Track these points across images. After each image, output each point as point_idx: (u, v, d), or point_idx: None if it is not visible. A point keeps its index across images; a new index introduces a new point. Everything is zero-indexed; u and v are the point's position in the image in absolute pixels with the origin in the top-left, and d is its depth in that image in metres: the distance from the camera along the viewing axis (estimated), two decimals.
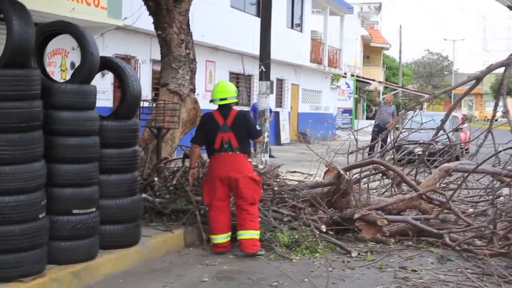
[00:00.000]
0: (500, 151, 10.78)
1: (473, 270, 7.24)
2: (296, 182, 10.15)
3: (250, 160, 8.39)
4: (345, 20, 38.35)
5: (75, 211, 6.59)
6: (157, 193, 9.03)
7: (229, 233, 8.03)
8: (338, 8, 36.17)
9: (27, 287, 5.84)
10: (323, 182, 9.79)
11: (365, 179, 10.42)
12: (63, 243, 6.52)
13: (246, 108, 23.12)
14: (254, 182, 8.00)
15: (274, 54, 16.13)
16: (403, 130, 13.61)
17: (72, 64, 15.33)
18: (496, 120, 13.82)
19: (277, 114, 27.68)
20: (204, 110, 11.30)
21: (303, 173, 11.29)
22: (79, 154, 6.65)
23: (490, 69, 13.48)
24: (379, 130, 19.03)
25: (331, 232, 8.66)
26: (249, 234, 7.86)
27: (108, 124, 7.24)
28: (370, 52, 55.13)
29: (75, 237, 6.57)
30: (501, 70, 13.46)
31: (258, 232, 7.97)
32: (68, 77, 11.40)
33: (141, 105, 9.71)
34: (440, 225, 8.94)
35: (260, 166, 10.77)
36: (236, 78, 25.27)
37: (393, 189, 10.83)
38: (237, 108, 8.52)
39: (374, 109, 41.56)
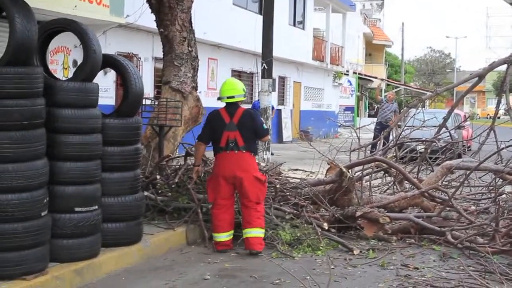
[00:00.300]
0: (502, 149, 10.79)
1: (475, 268, 7.24)
2: (298, 180, 10.16)
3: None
4: (347, 18, 38.36)
5: (77, 209, 6.59)
6: (159, 191, 9.06)
7: (232, 232, 8.02)
8: (341, 6, 36.16)
9: (30, 285, 5.85)
10: (325, 180, 9.79)
11: (367, 177, 10.42)
12: (65, 241, 6.52)
13: (247, 106, 23.12)
14: (259, 181, 7.97)
15: (276, 51, 16.14)
16: (405, 128, 13.62)
17: (74, 62, 15.36)
18: (499, 117, 13.79)
19: (279, 111, 27.69)
20: (206, 108, 11.32)
21: (305, 171, 11.32)
22: (81, 152, 6.65)
23: (492, 67, 13.47)
24: (381, 128, 19.05)
25: (333, 230, 8.66)
26: (256, 232, 7.85)
27: (110, 122, 7.24)
28: (372, 49, 55.12)
29: (77, 235, 6.57)
30: (503, 67, 13.45)
31: (264, 230, 7.96)
32: (70, 75, 11.43)
33: (143, 103, 9.73)
34: (442, 223, 8.94)
35: (262, 164, 10.78)
36: (238, 75, 25.25)
37: (395, 187, 10.83)
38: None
39: (376, 107, 41.58)
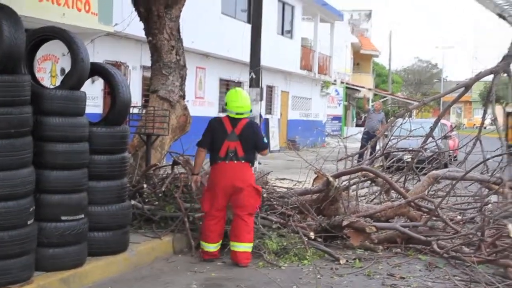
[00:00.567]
0: (488, 159, 10.84)
1: (461, 277, 7.27)
2: (285, 189, 10.15)
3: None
4: (335, 27, 38.48)
5: (63, 218, 6.56)
6: (146, 200, 9.02)
7: (220, 242, 7.97)
8: (329, 15, 36.28)
9: None
10: (312, 189, 9.80)
11: (354, 186, 10.44)
12: (52, 249, 6.49)
13: None
14: (257, 192, 7.95)
15: (265, 61, 16.15)
16: (392, 138, 13.65)
17: (62, 70, 15.31)
18: (485, 127, 13.87)
19: (266, 121, 27.71)
20: (194, 116, 11.33)
21: (292, 180, 11.30)
22: (68, 160, 6.63)
23: (479, 77, 13.54)
24: (368, 137, 19.08)
25: (319, 239, 8.67)
26: (244, 247, 7.80)
27: (97, 130, 7.22)
28: (360, 59, 55.32)
29: (64, 243, 6.54)
30: (490, 77, 13.54)
31: (252, 245, 7.92)
32: (58, 83, 11.39)
33: (131, 111, 9.72)
34: (428, 232, 8.97)
35: None
36: (226, 84, 25.28)
37: (382, 196, 10.86)
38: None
39: (363, 116, 41.71)
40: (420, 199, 9.65)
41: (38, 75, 13.34)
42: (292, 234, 8.56)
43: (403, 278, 7.34)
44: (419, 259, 8.27)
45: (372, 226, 8.69)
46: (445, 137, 19.06)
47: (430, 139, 13.15)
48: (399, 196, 10.10)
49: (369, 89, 51.47)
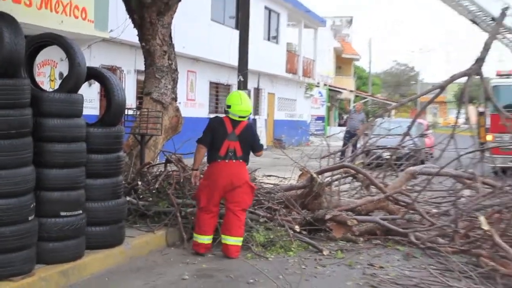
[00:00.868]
0: (462, 155, 10.90)
1: (436, 266, 7.32)
2: (272, 185, 10.17)
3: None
4: (318, 33, 38.50)
5: (62, 213, 6.55)
6: (141, 196, 9.03)
7: (212, 236, 7.92)
8: (312, 22, 36.30)
9: (17, 286, 5.80)
10: (297, 185, 9.83)
11: (336, 182, 10.48)
12: (51, 243, 6.48)
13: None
14: (251, 189, 7.98)
15: (252, 64, 16.16)
16: (372, 136, 13.70)
17: (61, 74, 15.26)
18: (459, 126, 13.94)
19: (254, 121, 27.69)
20: (185, 117, 11.33)
21: (279, 177, 11.31)
22: (66, 160, 6.62)
23: (453, 78, 13.60)
24: (350, 136, 19.15)
25: (304, 232, 8.68)
26: (235, 241, 7.80)
27: (94, 131, 7.21)
28: (342, 63, 55.33)
29: (63, 238, 6.54)
30: (463, 79, 13.61)
31: (242, 239, 7.92)
32: (56, 87, 11.36)
33: (126, 113, 9.71)
34: (406, 225, 9.03)
35: None
36: (216, 87, 25.27)
37: (362, 191, 10.90)
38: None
39: (345, 117, 41.76)
40: (398, 194, 9.70)
41: (38, 79, 13.33)
42: (278, 227, 8.58)
43: (383, 267, 7.38)
44: (398, 250, 8.31)
45: (353, 219, 8.73)
46: (422, 135, 19.16)
47: (408, 137, 13.22)
48: (378, 191, 10.14)
49: (351, 91, 51.52)
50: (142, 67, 10.92)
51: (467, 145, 11.87)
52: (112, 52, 17.58)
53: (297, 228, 8.61)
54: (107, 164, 7.29)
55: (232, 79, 22.80)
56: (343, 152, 15.03)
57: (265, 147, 28.11)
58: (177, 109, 10.75)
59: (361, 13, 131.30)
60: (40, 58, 12.47)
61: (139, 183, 9.08)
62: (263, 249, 8.05)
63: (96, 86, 16.10)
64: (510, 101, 18.08)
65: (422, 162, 14.07)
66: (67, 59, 6.95)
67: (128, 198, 8.42)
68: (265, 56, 27.39)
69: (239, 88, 14.67)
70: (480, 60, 13.09)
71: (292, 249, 8.09)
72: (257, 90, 29.15)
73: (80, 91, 7.05)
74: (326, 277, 7.03)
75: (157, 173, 9.53)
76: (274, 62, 30.01)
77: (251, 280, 6.77)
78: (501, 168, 14.12)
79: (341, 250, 8.15)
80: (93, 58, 16.02)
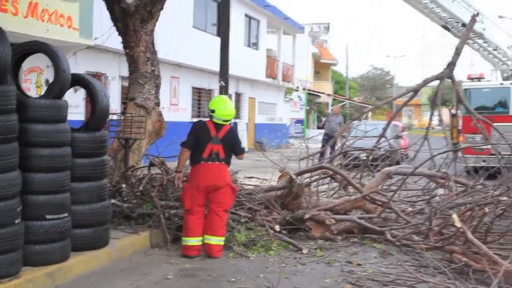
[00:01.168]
0: (435, 156, 10.95)
1: (411, 263, 7.33)
2: (253, 187, 10.15)
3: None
4: (297, 39, 38.55)
5: (48, 217, 6.49)
6: (125, 199, 8.96)
7: (202, 238, 7.81)
8: (291, 28, 36.35)
9: None
10: (277, 186, 9.82)
11: (315, 183, 10.48)
12: (38, 246, 6.42)
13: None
14: (233, 190, 7.96)
15: (233, 70, 16.14)
16: (349, 138, 13.73)
17: (47, 81, 15.15)
18: (433, 128, 14.02)
19: (235, 125, 27.67)
20: (168, 122, 11.28)
21: (259, 178, 11.29)
22: (52, 164, 6.56)
23: (425, 82, 13.68)
24: (328, 138, 19.18)
25: (284, 231, 8.68)
26: (217, 240, 7.77)
27: (79, 135, 7.16)
28: (320, 67, 55.44)
29: (49, 240, 6.48)
30: (436, 83, 13.69)
31: (224, 238, 7.89)
32: (43, 93, 11.27)
33: (110, 118, 9.65)
34: (382, 223, 9.04)
35: None
36: (198, 92, 25.22)
37: (340, 192, 10.90)
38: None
39: (323, 119, 41.85)
40: (374, 193, 9.74)
41: (24, 85, 13.24)
42: (259, 227, 8.56)
43: (360, 265, 7.39)
44: (374, 248, 8.32)
45: (331, 219, 8.74)
46: (397, 137, 19.24)
47: (383, 139, 13.26)
48: (356, 191, 10.16)
49: (329, 95, 51.63)
50: (126, 74, 10.86)
51: (441, 145, 11.94)
52: (97, 59, 17.49)
53: (277, 227, 8.61)
54: (92, 167, 7.23)
55: (214, 84, 22.75)
56: (321, 154, 15.04)
57: (246, 150, 28.18)
58: (160, 114, 10.70)
59: (338, 19, 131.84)
60: (26, 65, 12.39)
61: (124, 186, 9.03)
62: (244, 249, 8.02)
63: (81, 92, 15.98)
64: (481, 104, 18.24)
65: (398, 163, 14.14)
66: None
67: (112, 201, 8.36)
68: (245, 62, 27.39)
69: (220, 93, 14.64)
70: (451, 65, 13.18)
71: (273, 248, 8.07)
72: (238, 95, 29.16)
73: (66, 97, 7.00)
74: (306, 275, 7.02)
75: (141, 176, 9.47)
76: (254, 68, 30.02)
77: (233, 279, 6.74)
78: (473, 168, 14.22)
79: (320, 249, 8.16)
80: (78, 65, 15.92)
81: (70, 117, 7.01)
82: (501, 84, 19.37)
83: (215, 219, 7.77)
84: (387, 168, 10.86)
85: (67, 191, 6.77)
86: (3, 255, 5.86)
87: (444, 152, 11.36)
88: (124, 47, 10.51)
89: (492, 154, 14.72)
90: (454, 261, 7.12)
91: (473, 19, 15.18)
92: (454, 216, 7.27)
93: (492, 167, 11.99)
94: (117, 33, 10.61)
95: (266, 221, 8.74)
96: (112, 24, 10.62)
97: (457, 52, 13.36)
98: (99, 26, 15.02)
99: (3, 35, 6.05)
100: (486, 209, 7.52)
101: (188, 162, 8.02)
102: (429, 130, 12.89)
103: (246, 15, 29.39)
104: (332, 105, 42.04)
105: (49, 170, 6.54)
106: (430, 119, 13.76)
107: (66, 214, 6.70)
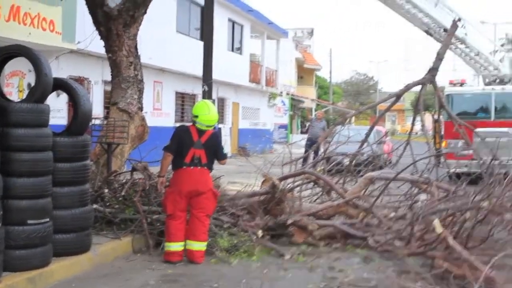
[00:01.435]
0: (417, 161, 10.99)
1: (393, 269, 7.36)
2: (236, 192, 10.15)
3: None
4: (280, 44, 38.58)
5: (30, 222, 6.47)
6: (107, 204, 8.94)
7: (184, 243, 7.80)
8: (274, 33, 36.39)
9: None
10: (260, 191, 9.82)
11: (298, 188, 10.49)
12: (18, 251, 6.39)
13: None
14: (214, 196, 7.95)
15: (216, 75, 16.12)
16: (333, 143, 13.76)
17: (29, 85, 15.06)
18: (416, 133, 14.10)
19: (219, 130, 27.61)
20: (151, 127, 11.26)
21: (243, 183, 11.30)
22: (33, 168, 6.54)
23: (408, 87, 13.75)
24: (311, 143, 19.17)
25: (267, 237, 8.70)
26: (199, 246, 7.77)
27: (60, 140, 7.14)
28: (304, 72, 55.56)
29: (30, 245, 6.45)
30: (418, 88, 13.77)
31: (206, 243, 7.88)
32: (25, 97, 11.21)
33: (93, 122, 9.63)
34: (365, 229, 9.06)
35: None
36: (181, 97, 25.17)
37: (323, 197, 10.92)
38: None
39: (307, 124, 41.96)
40: (357, 199, 9.76)
41: (6, 89, 13.18)
42: (242, 232, 8.56)
43: (342, 270, 7.40)
44: (357, 253, 8.35)
45: (314, 224, 8.77)
46: (380, 142, 19.30)
47: (366, 144, 13.31)
48: (339, 196, 10.18)
49: (312, 100, 51.77)
50: (109, 78, 10.84)
51: (423, 151, 12.00)
52: (80, 63, 17.41)
53: (260, 233, 8.61)
54: (74, 172, 7.21)
55: (198, 89, 22.71)
56: (305, 159, 15.07)
57: (229, 155, 28.16)
58: (143, 119, 10.69)
59: (321, 24, 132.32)
60: (8, 69, 12.31)
61: (106, 190, 9.01)
62: (227, 254, 8.02)
63: (64, 96, 15.85)
64: (463, 109, 18.37)
65: (381, 168, 14.19)
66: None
67: (95, 206, 8.34)
68: (229, 67, 27.38)
69: (203, 98, 14.63)
70: (433, 70, 13.27)
71: (255, 253, 8.08)
72: (222, 100, 29.14)
73: (49, 101, 6.97)
74: (288, 281, 7.04)
75: (123, 181, 9.44)
76: (238, 73, 30.02)
77: (215, 285, 6.75)
78: (455, 173, 14.30)
79: (302, 254, 8.17)
80: (61, 69, 15.83)
81: (53, 121, 7.00)
82: (483, 89, 19.52)
83: (197, 224, 7.76)
84: (369, 173, 10.89)
85: (49, 196, 6.74)
86: None
87: (427, 157, 11.41)
88: (107, 52, 10.50)
89: (474, 159, 14.81)
90: (435, 266, 7.16)
91: (454, 24, 15.30)
92: (436, 221, 7.31)
93: (474, 173, 12.08)
94: (100, 37, 10.59)
95: (248, 226, 8.74)
96: (95, 28, 10.60)
97: (439, 58, 13.45)
98: (82, 30, 14.96)
99: None
100: (468, 215, 7.58)
101: (170, 167, 8.01)
102: (411, 136, 12.97)
103: (229, 20, 29.40)
104: (316, 110, 42.11)
105: (30, 174, 6.52)
106: (413, 124, 13.85)
107: (48, 219, 6.67)
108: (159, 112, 22.75)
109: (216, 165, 8.13)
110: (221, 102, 29.34)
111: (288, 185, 10.16)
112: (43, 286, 6.45)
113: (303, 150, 20.33)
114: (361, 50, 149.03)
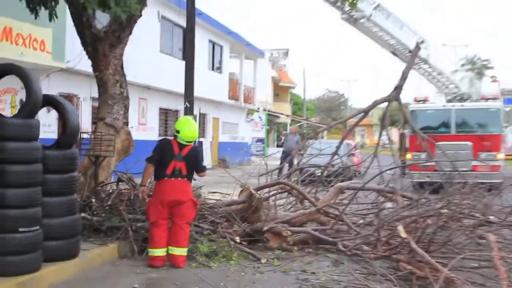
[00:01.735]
0: (384, 172, 11.08)
1: (361, 271, 7.41)
2: (215, 201, 10.16)
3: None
4: (258, 63, 38.72)
5: (21, 229, 6.43)
6: (95, 212, 8.90)
7: (166, 249, 7.79)
8: (252, 54, 36.52)
9: None
10: (238, 200, 9.85)
11: (273, 197, 10.53)
12: (10, 257, 6.34)
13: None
14: (194, 205, 7.95)
15: (198, 92, 16.17)
16: (306, 156, 13.84)
17: (21, 101, 14.96)
18: (383, 146, 14.21)
19: (200, 143, 27.63)
20: (137, 140, 11.25)
21: (222, 193, 11.30)
22: (24, 180, 6.51)
23: (375, 104, 13.89)
24: (286, 156, 19.26)
25: (244, 243, 8.69)
26: (181, 251, 7.75)
27: (50, 153, 7.11)
28: (279, 90, 55.75)
29: (21, 252, 6.41)
30: (385, 104, 13.90)
31: (187, 249, 7.88)
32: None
33: (82, 136, 9.60)
34: (335, 234, 9.12)
35: None
36: (165, 113, 25.16)
37: (297, 205, 10.96)
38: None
39: (282, 138, 42.03)
40: (328, 207, 9.81)
41: None
42: (220, 239, 8.57)
43: (314, 273, 7.43)
44: (328, 257, 8.38)
45: (288, 230, 8.79)
46: (349, 154, 19.42)
47: (336, 156, 13.40)
48: (311, 204, 10.23)
49: (287, 116, 51.90)
50: (97, 95, 10.81)
51: (389, 162, 12.11)
52: (69, 80, 17.35)
53: (237, 239, 8.62)
54: (63, 183, 7.18)
55: (180, 106, 22.71)
56: (280, 170, 15.13)
57: (210, 166, 28.18)
58: (129, 133, 10.68)
59: (296, 45, 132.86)
60: (1, 86, 12.23)
61: (93, 200, 8.98)
62: (206, 259, 8.01)
63: (54, 112, 15.79)
64: (426, 124, 18.56)
65: (350, 179, 14.26)
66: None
67: (83, 214, 8.31)
68: (210, 85, 27.41)
69: (185, 114, 14.65)
70: (398, 88, 13.42)
71: (233, 258, 8.08)
72: (203, 115, 29.14)
73: (40, 117, 6.95)
74: (264, 283, 7.05)
75: (110, 191, 9.42)
76: (218, 90, 30.06)
77: (196, 287, 6.74)
78: (418, 183, 14.46)
79: (277, 258, 8.20)
80: (51, 87, 15.76)
81: (43, 135, 6.97)
82: (444, 106, 19.76)
83: (179, 231, 7.77)
84: (339, 184, 10.96)
85: (39, 205, 6.70)
86: None
87: (392, 168, 11.53)
88: (94, 70, 10.49)
89: (436, 170, 14.97)
90: (400, 269, 7.23)
91: (417, 46, 15.53)
92: (400, 227, 7.39)
93: (435, 182, 12.20)
94: (87, 57, 10.58)
95: (227, 233, 8.76)
96: (83, 48, 10.58)
97: (404, 77, 13.61)
98: (71, 50, 14.94)
99: None
100: (429, 221, 7.68)
101: (153, 177, 8.02)
102: (378, 148, 13.09)
103: (210, 41, 29.46)
104: (291, 125, 42.18)
105: (21, 185, 6.48)
106: (379, 138, 13.97)
107: (38, 227, 6.63)
108: (144, 127, 22.72)
109: (197, 176, 8.15)
110: (203, 118, 29.33)
111: (264, 195, 10.19)
112: None
113: (278, 162, 20.39)
114: (333, 69, 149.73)
